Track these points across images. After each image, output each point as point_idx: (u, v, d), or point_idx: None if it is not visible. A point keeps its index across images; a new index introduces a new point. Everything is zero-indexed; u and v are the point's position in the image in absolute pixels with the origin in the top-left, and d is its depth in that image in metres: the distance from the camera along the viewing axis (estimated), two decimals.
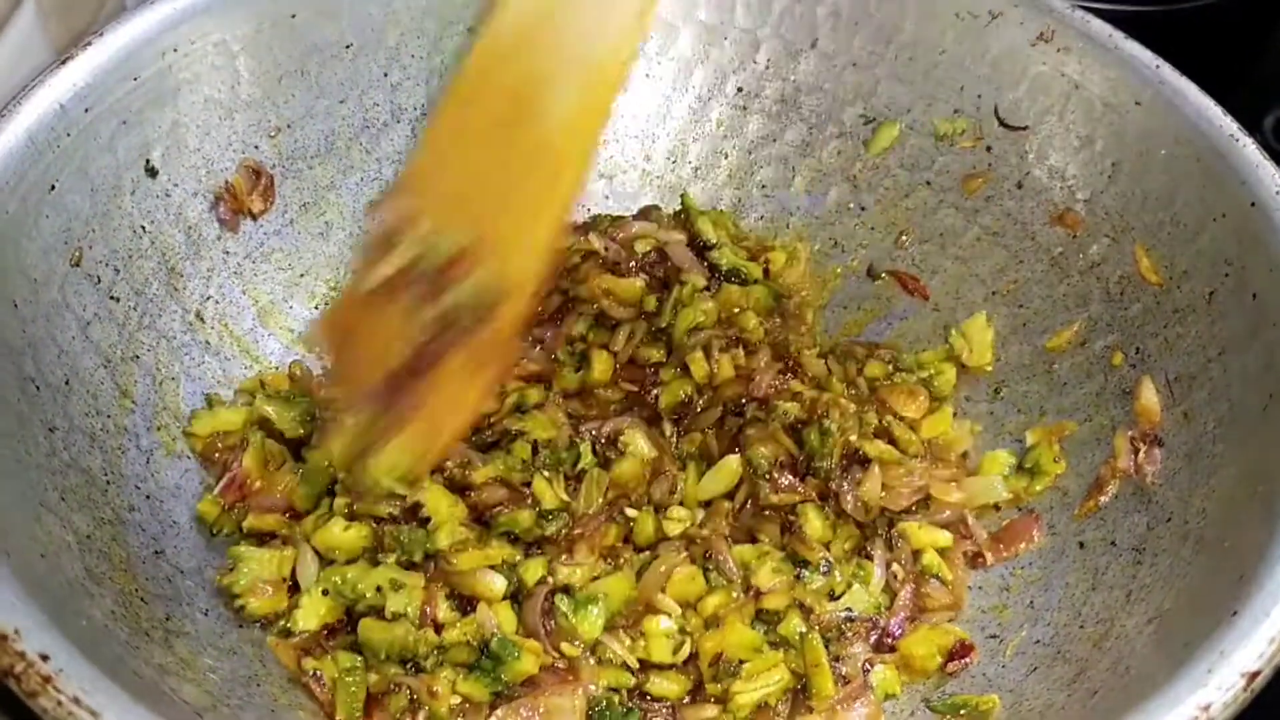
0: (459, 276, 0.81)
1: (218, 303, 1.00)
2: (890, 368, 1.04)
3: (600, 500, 0.91)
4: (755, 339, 1.03)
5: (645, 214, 1.14)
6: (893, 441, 0.96)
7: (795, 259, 1.12)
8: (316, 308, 1.07)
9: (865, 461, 0.94)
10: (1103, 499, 0.90)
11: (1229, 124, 0.91)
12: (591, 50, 0.81)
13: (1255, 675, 0.65)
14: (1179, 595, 0.78)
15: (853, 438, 0.94)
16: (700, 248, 1.09)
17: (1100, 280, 0.97)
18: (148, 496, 0.88)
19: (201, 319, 0.99)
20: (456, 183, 0.83)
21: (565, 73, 0.81)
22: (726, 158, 1.16)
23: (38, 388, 0.82)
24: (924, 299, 1.07)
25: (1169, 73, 0.95)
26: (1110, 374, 0.95)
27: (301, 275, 1.07)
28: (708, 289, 1.06)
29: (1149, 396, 0.91)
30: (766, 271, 1.10)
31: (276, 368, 1.03)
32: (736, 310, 1.04)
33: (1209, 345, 0.88)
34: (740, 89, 1.15)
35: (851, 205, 1.12)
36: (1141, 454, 0.89)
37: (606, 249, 1.09)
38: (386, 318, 0.82)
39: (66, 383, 0.85)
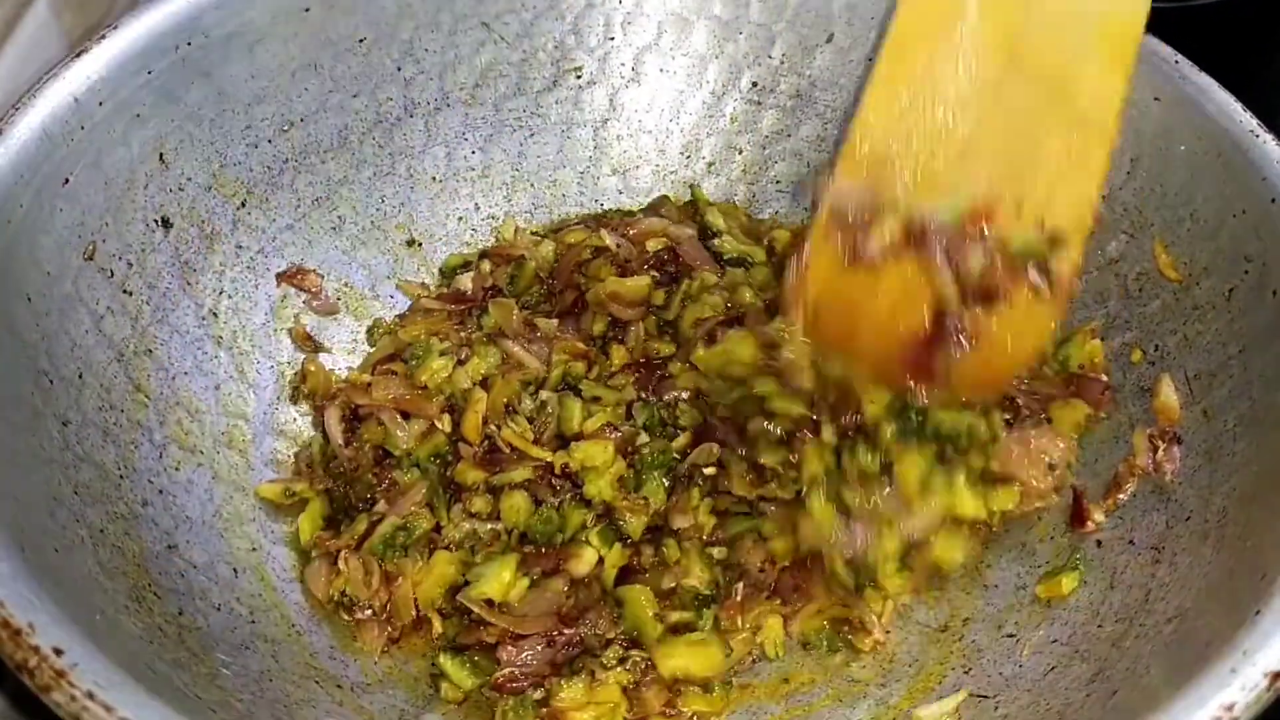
0: (989, 232, 0.77)
1: (230, 297, 1.00)
2: None
3: None
4: (753, 310, 1.03)
5: (656, 206, 1.14)
6: None
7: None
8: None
9: None
10: (1121, 497, 0.89)
11: (1249, 120, 0.90)
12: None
13: (1279, 675, 0.64)
14: (1199, 594, 0.77)
15: None
16: (709, 238, 1.09)
17: (1119, 277, 0.97)
18: (160, 491, 0.88)
19: (215, 314, 0.99)
20: (937, 145, 0.78)
21: (1069, 18, 0.78)
22: (741, 153, 1.16)
23: (51, 381, 0.82)
24: None
25: (1188, 68, 0.94)
26: (1129, 371, 0.94)
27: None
28: (719, 285, 1.05)
29: (1168, 394, 0.90)
30: (771, 250, 1.10)
31: (289, 364, 1.03)
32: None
33: (1229, 342, 0.87)
34: (755, 84, 1.14)
35: None
36: (1160, 452, 0.88)
37: (619, 246, 1.08)
38: (895, 283, 0.79)
39: (80, 376, 0.85)
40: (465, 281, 1.09)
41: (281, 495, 0.95)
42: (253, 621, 0.86)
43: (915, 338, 0.79)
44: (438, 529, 0.93)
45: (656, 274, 1.07)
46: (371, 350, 1.07)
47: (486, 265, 1.10)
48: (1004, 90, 0.78)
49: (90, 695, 0.60)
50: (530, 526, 0.91)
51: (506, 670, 0.85)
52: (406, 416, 0.98)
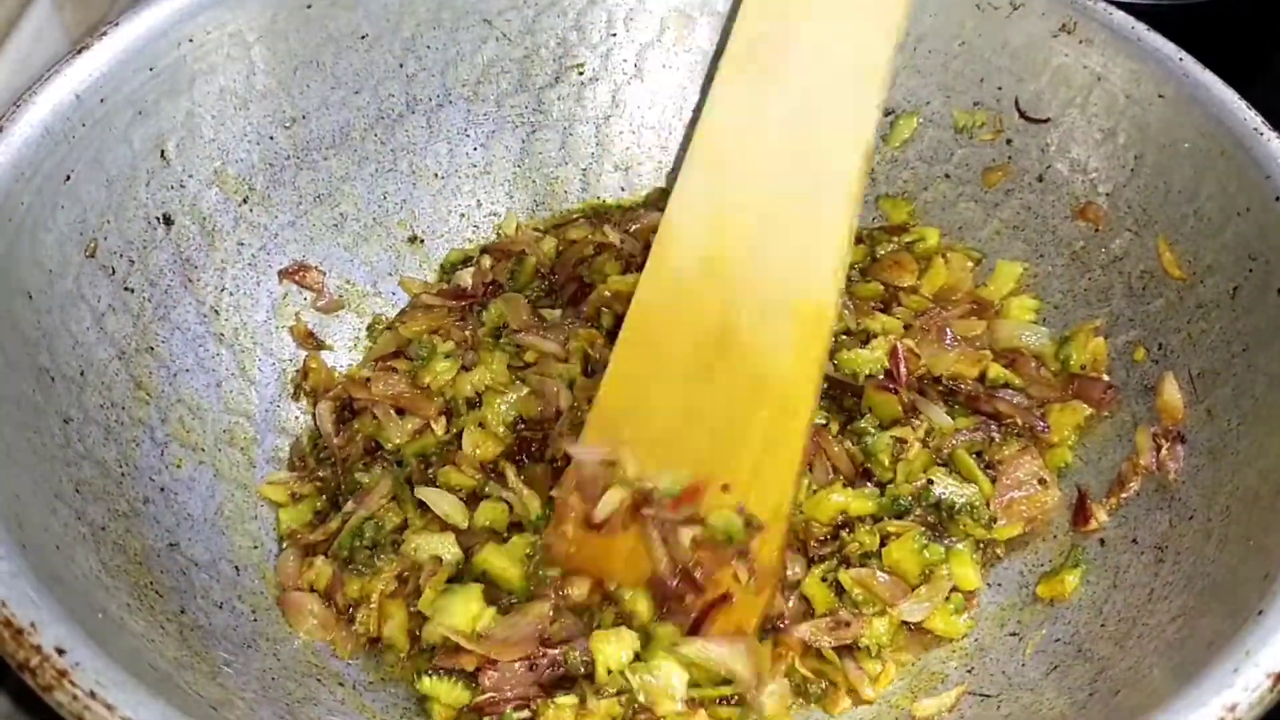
0: (694, 513, 0.84)
1: (232, 294, 1.00)
2: (869, 250, 1.07)
3: None
4: None
5: (657, 201, 1.14)
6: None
7: None
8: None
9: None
10: (1124, 496, 0.89)
11: (1253, 117, 0.90)
12: (790, 291, 0.84)
13: None
14: (1202, 594, 0.77)
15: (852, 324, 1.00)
16: None
17: (1122, 275, 0.96)
18: (162, 489, 0.88)
19: (216, 311, 0.98)
20: (663, 422, 0.85)
21: (768, 309, 0.84)
22: None
23: (52, 379, 0.82)
24: None
25: (1192, 65, 0.94)
26: (1132, 369, 0.94)
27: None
28: None
29: (1171, 392, 0.90)
30: None
31: (290, 361, 1.03)
32: None
33: (1232, 341, 0.87)
34: None
35: (869, 198, 1.11)
36: (1164, 450, 0.88)
37: (622, 242, 1.08)
38: (619, 546, 0.86)
39: (81, 374, 0.85)
40: (465, 277, 1.09)
41: (286, 496, 0.95)
42: (255, 620, 0.86)
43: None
44: (405, 526, 0.92)
45: None
46: (372, 346, 1.07)
47: (487, 261, 1.10)
48: (715, 376, 0.85)
49: (92, 694, 0.60)
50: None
51: (488, 695, 0.82)
52: (401, 413, 0.98)
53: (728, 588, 0.84)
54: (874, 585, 0.87)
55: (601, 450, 0.87)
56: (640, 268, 1.04)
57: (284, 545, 0.93)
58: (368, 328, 1.08)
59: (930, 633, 0.88)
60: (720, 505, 0.84)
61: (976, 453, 0.94)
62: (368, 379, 1.00)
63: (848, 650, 0.87)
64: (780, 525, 0.84)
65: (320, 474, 0.97)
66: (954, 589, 0.88)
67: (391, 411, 0.98)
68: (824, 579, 0.88)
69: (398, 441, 0.97)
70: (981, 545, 0.92)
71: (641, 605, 0.86)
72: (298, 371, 1.03)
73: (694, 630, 0.83)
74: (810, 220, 0.84)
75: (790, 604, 0.88)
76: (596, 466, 0.86)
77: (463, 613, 0.85)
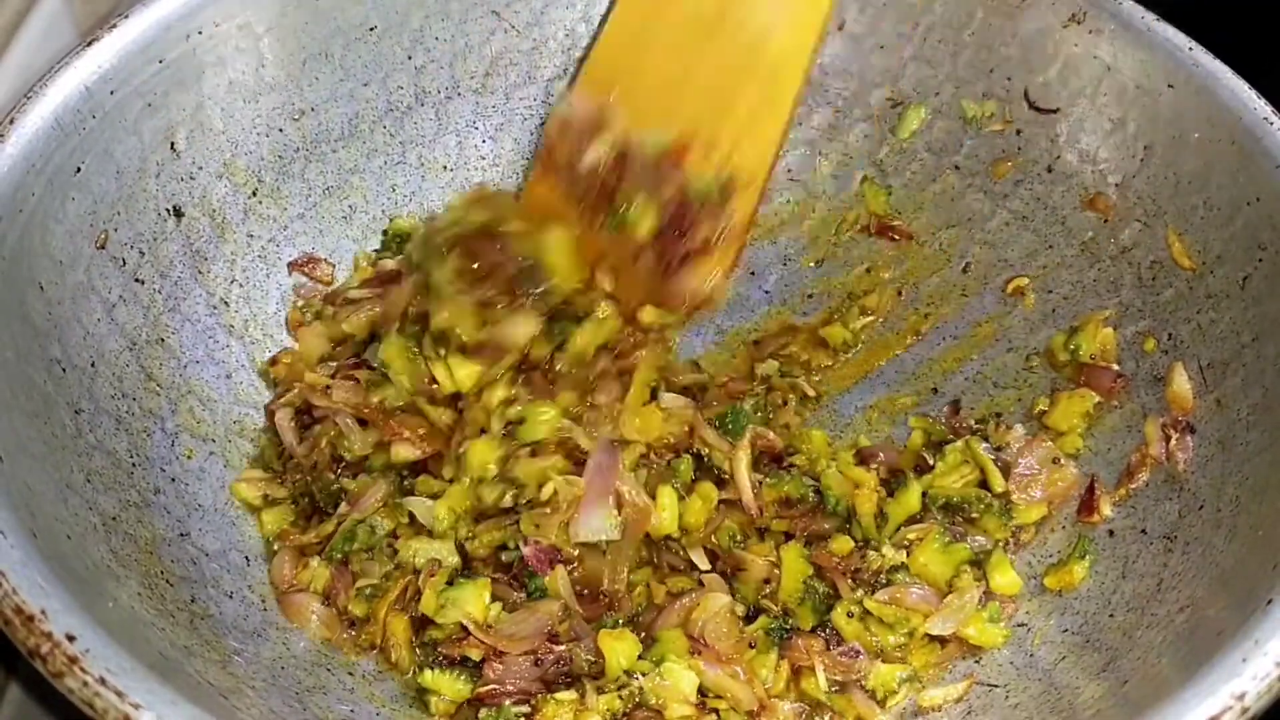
0: (681, 168, 0.86)
1: (242, 286, 1.00)
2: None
3: None
4: None
5: None
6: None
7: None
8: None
9: None
10: (1133, 486, 0.89)
11: (1263, 107, 0.89)
12: None
13: None
14: (1211, 584, 0.77)
15: None
16: None
17: (1132, 265, 0.96)
18: (173, 479, 0.88)
19: (226, 303, 0.99)
20: (655, 80, 0.88)
21: None
22: None
23: (64, 370, 0.82)
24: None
25: (1202, 55, 0.93)
26: (1142, 360, 0.94)
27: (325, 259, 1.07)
28: None
29: (1181, 383, 0.90)
30: None
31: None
32: None
33: (1242, 331, 0.87)
34: None
35: (851, 176, 1.12)
36: (1173, 441, 0.88)
37: None
38: (599, 200, 0.88)
39: (92, 365, 0.85)
40: (390, 263, 1.04)
41: (259, 498, 0.92)
42: (265, 609, 0.86)
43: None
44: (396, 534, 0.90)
45: None
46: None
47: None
48: (711, 41, 0.87)
49: (102, 681, 0.60)
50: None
51: (490, 686, 0.82)
52: (364, 424, 0.92)
53: (703, 240, 0.87)
54: (905, 600, 0.86)
55: (592, 103, 0.88)
56: None
57: (275, 547, 0.91)
58: None
59: (965, 642, 0.86)
60: (701, 167, 0.86)
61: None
62: (328, 386, 0.94)
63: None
64: (754, 193, 0.87)
65: (292, 477, 0.94)
66: (987, 593, 0.87)
67: (351, 421, 0.92)
68: (849, 614, 0.86)
69: (362, 451, 0.91)
70: (1009, 541, 0.91)
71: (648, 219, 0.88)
72: (267, 360, 1.00)
73: (668, 272, 0.87)
74: None
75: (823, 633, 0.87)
76: (585, 117, 0.88)
77: (475, 602, 0.84)
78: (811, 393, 1.02)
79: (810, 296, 1.10)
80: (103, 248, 0.88)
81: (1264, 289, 0.86)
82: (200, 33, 0.94)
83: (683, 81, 0.87)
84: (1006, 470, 0.92)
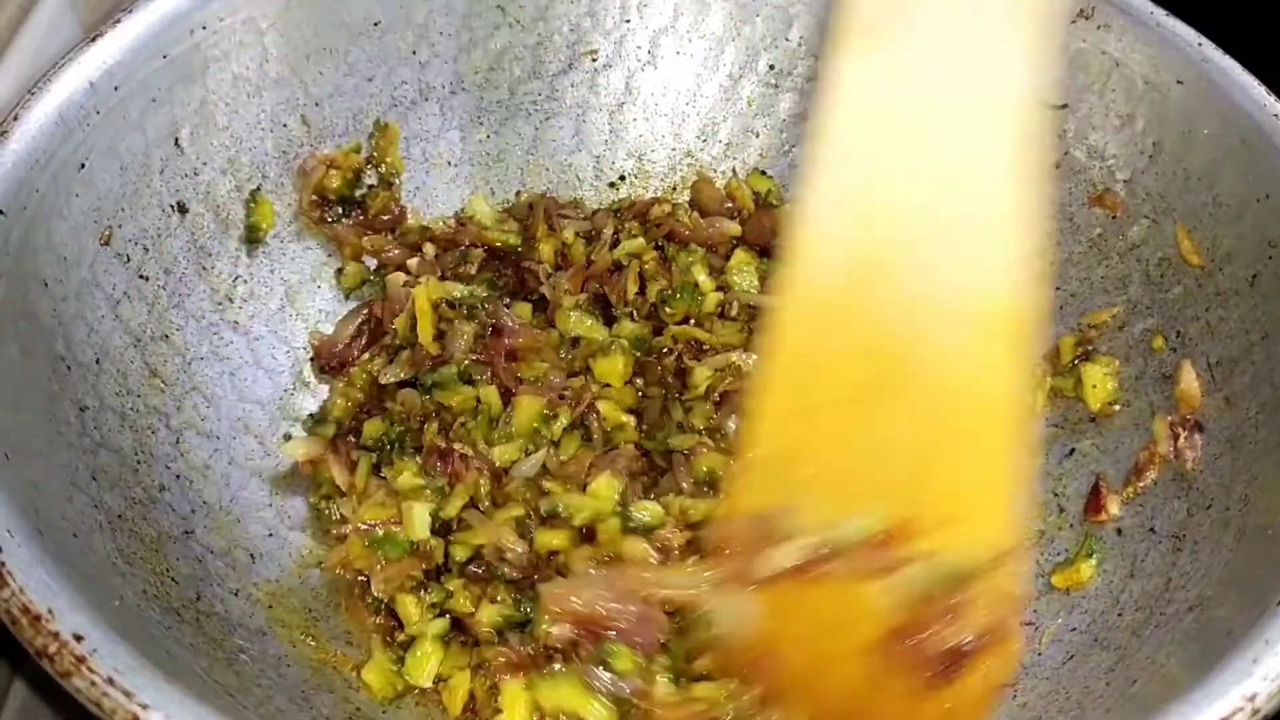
0: (894, 560, 0.70)
1: (246, 282, 1.00)
2: None
3: None
4: None
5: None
6: None
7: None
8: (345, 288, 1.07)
9: None
10: (1141, 485, 0.89)
11: (1273, 103, 0.89)
12: (965, 291, 0.70)
13: None
14: (1220, 583, 0.77)
15: None
16: None
17: (1140, 262, 0.96)
18: (178, 476, 0.88)
19: (230, 299, 0.98)
20: (834, 462, 0.72)
21: (941, 315, 0.71)
22: (758, 136, 1.15)
23: (68, 366, 0.82)
24: None
25: (1212, 51, 0.93)
26: (1150, 358, 0.93)
27: (329, 255, 1.06)
28: None
29: (1189, 381, 0.89)
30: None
31: (304, 349, 1.03)
32: None
33: (1251, 329, 0.86)
34: (772, 66, 1.13)
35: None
36: (1182, 439, 0.88)
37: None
38: (811, 605, 0.72)
39: (97, 361, 0.85)
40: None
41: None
42: (270, 607, 0.86)
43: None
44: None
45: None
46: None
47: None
48: (891, 398, 0.72)
49: (110, 680, 0.60)
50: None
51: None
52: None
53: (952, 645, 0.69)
54: None
55: (760, 501, 0.74)
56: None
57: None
58: None
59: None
60: (920, 550, 0.70)
61: None
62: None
63: None
64: (1003, 559, 0.69)
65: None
66: None
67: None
68: None
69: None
70: None
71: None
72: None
73: (937, 686, 0.69)
74: (977, 206, 0.71)
75: None
76: (755, 518, 0.73)
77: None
78: None
79: None
80: (107, 244, 0.88)
81: (1273, 286, 0.85)
82: (204, 28, 0.93)
83: (870, 452, 0.72)
84: None
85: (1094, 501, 0.90)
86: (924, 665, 0.68)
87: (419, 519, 0.85)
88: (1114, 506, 0.89)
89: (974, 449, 0.71)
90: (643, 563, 0.83)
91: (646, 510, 0.86)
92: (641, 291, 1.04)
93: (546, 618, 0.79)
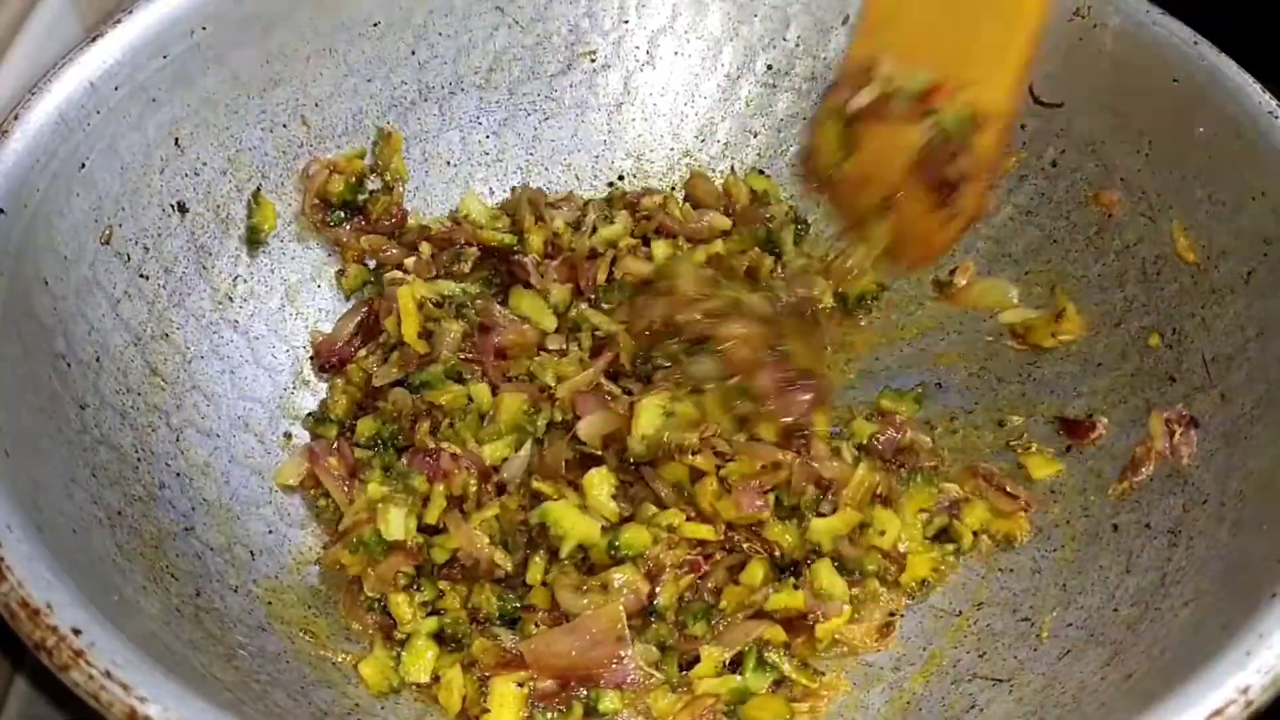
0: (934, 106, 0.90)
1: (246, 281, 1.00)
2: None
3: None
4: None
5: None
6: None
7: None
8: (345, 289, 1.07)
9: None
10: (1137, 480, 0.89)
11: (1268, 101, 0.89)
12: None
13: None
14: (1215, 578, 0.77)
15: None
16: None
17: (1136, 260, 0.96)
18: (177, 474, 0.89)
19: (230, 298, 0.99)
20: (913, 32, 0.93)
21: None
22: (756, 136, 1.16)
23: (69, 365, 0.83)
24: None
25: (1207, 49, 0.93)
26: (1146, 355, 0.94)
27: (329, 255, 1.07)
28: None
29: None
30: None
31: (304, 347, 1.03)
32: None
33: (1246, 325, 0.87)
34: (770, 66, 1.14)
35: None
36: (1177, 435, 0.88)
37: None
38: (873, 137, 0.94)
39: (97, 360, 0.86)
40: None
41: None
42: (269, 604, 0.86)
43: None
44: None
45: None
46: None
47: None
48: None
49: (108, 674, 0.60)
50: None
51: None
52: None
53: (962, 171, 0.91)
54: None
55: (866, 50, 0.94)
56: None
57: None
58: None
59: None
60: (954, 103, 0.90)
61: None
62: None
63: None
64: (1000, 122, 0.90)
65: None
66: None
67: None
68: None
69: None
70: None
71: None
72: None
73: (942, 203, 0.92)
74: None
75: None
76: (860, 63, 0.94)
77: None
78: None
79: None
80: (107, 243, 0.89)
81: (1268, 283, 0.85)
82: (204, 28, 0.94)
83: (937, 29, 0.91)
84: None
85: (1078, 429, 0.95)
86: (937, 187, 0.91)
87: (394, 521, 0.86)
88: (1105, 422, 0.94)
89: (1001, 35, 0.89)
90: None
91: (631, 541, 0.88)
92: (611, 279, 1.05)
93: (532, 674, 0.84)
